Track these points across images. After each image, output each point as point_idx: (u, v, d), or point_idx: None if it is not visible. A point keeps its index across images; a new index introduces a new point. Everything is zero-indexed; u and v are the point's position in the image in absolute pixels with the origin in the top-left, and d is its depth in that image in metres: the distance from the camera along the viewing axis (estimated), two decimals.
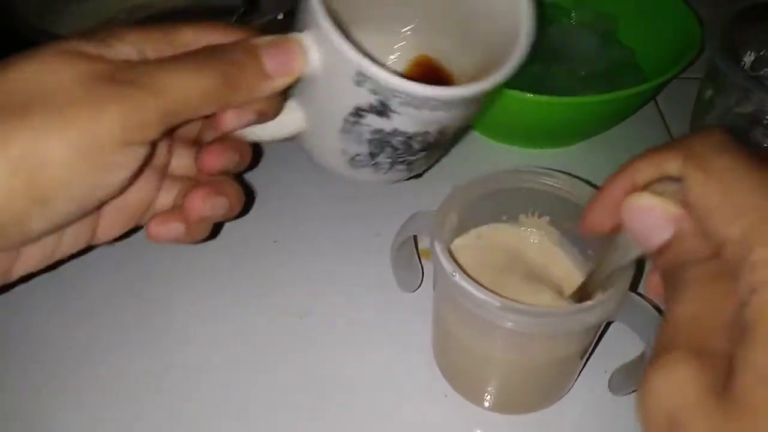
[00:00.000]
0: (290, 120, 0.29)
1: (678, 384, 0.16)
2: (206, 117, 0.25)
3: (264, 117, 0.27)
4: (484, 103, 0.29)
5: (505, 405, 0.34)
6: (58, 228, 0.24)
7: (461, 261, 0.32)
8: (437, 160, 0.36)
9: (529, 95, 0.40)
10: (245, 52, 0.25)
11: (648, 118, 0.51)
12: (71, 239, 0.26)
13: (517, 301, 0.26)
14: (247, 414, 0.34)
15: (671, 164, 0.18)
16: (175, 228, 0.28)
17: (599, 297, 0.29)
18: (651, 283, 0.22)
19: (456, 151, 0.48)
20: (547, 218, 0.33)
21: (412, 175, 0.34)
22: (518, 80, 0.46)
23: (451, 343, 0.33)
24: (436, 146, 0.31)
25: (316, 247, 0.41)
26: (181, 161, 0.30)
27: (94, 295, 0.38)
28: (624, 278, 0.26)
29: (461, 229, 0.33)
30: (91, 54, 0.22)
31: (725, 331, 0.15)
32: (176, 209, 0.28)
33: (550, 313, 0.27)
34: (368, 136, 0.29)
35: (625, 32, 0.51)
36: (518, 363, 0.31)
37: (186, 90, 0.23)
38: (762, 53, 0.39)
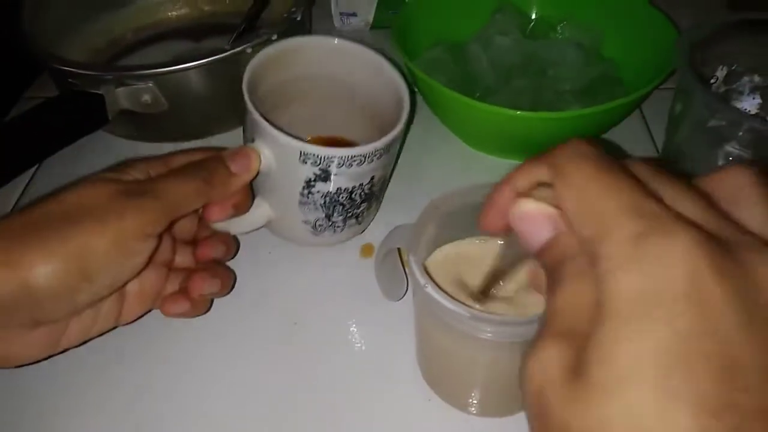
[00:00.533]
0: (260, 212, 0.39)
1: (543, 363, 0.17)
2: (196, 213, 0.36)
3: (239, 209, 0.37)
4: (391, 155, 0.38)
5: (487, 408, 0.36)
6: (97, 301, 0.32)
7: (440, 273, 0.33)
8: (377, 210, 0.44)
9: (516, 112, 0.42)
10: (216, 160, 0.35)
11: (633, 127, 0.52)
12: (104, 318, 0.34)
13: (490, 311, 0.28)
14: (235, 414, 0.36)
15: (542, 173, 0.20)
16: (182, 305, 0.36)
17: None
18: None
19: (449, 164, 0.49)
20: None
21: (362, 229, 0.43)
22: (508, 96, 0.48)
23: (432, 350, 0.35)
24: (372, 196, 0.40)
25: (306, 255, 0.43)
26: (182, 258, 0.38)
27: None
28: None
29: (439, 242, 0.35)
30: (112, 179, 0.32)
31: (589, 315, 0.17)
32: (182, 291, 0.36)
33: (519, 321, 0.28)
34: (320, 201, 0.38)
35: (609, 45, 0.53)
36: (496, 368, 0.33)
37: (179, 192, 0.32)
38: (733, 67, 0.40)
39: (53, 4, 0.55)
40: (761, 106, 0.42)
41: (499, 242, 0.35)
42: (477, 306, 0.32)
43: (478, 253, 0.35)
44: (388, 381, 0.37)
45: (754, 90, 0.41)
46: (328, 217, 0.39)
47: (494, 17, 0.53)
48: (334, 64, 0.41)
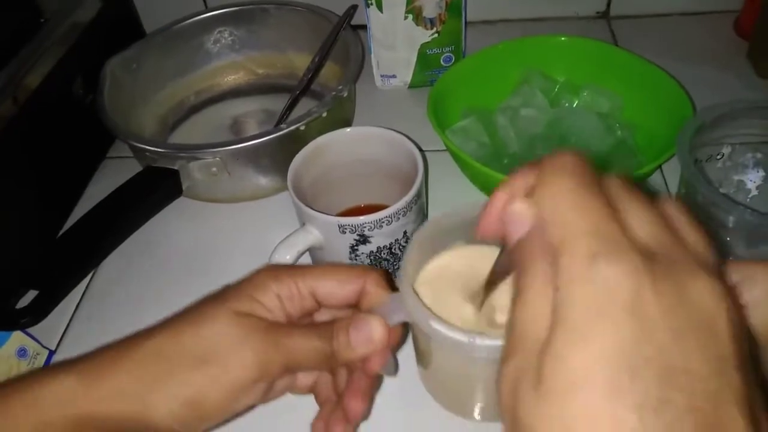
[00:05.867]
0: None
1: (510, 376, 0.20)
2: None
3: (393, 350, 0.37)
4: (416, 211, 0.44)
5: (491, 414, 0.39)
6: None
7: (428, 287, 0.37)
8: None
9: None
10: (340, 329, 0.33)
11: (654, 186, 0.55)
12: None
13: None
14: None
15: (532, 180, 0.22)
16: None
17: None
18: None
19: None
20: None
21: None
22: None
23: (432, 367, 0.38)
24: None
25: None
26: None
27: None
28: None
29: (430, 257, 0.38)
30: (246, 314, 0.32)
31: (547, 323, 0.19)
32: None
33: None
34: (367, 261, 0.44)
35: (629, 111, 0.57)
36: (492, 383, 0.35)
37: (302, 354, 0.32)
38: (736, 146, 0.44)
39: (128, 83, 0.62)
40: (765, 179, 0.46)
41: (479, 247, 0.37)
42: (475, 311, 0.34)
43: (464, 263, 0.38)
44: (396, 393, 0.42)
45: (757, 164, 0.45)
46: None
47: (521, 88, 0.57)
48: (359, 147, 0.49)
